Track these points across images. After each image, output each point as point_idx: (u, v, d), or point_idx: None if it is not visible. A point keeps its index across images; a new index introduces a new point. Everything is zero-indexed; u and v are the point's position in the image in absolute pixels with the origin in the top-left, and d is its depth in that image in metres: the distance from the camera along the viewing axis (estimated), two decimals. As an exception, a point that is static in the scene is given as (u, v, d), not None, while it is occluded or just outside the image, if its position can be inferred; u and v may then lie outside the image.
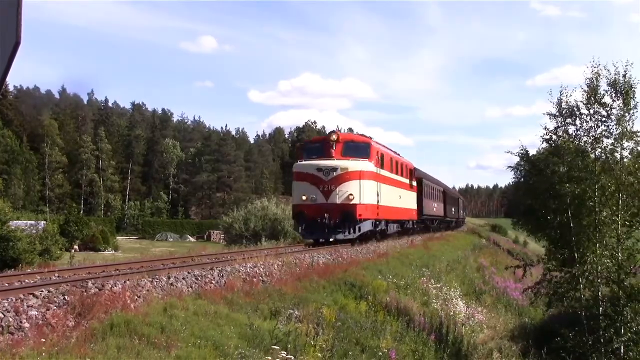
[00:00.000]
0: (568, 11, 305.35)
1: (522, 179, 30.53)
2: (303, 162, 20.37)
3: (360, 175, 19.49)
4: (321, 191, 19.33)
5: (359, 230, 19.68)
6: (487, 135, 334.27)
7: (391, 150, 25.61)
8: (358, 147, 20.69)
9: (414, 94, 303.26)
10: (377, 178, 20.96)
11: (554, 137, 17.61)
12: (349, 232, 19.30)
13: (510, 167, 26.88)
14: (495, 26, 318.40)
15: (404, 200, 26.90)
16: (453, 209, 55.54)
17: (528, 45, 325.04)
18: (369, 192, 19.92)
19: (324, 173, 19.35)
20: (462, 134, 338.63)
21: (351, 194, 19.10)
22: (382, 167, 22.01)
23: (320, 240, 19.86)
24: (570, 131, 17.31)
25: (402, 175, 26.67)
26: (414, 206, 30.23)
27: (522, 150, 19.63)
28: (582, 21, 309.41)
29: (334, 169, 19.34)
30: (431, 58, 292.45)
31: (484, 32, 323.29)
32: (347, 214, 19.05)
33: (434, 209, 40.22)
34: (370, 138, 21.94)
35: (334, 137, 20.34)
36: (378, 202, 20.84)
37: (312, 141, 22.51)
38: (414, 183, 30.63)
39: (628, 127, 16.49)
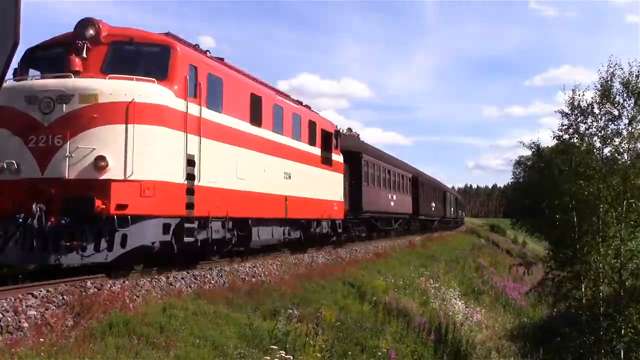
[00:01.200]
0: (565, 11, 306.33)
1: (522, 179, 30.59)
2: (4, 85, 6.65)
3: (132, 112, 8.84)
4: (32, 150, 8.71)
5: (122, 243, 8.65)
6: (486, 136, 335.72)
7: (259, 83, 13.82)
8: (142, 55, 9.83)
9: (412, 94, 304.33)
10: (194, 126, 10.13)
11: (566, 135, 17.74)
12: (97, 249, 8.44)
13: (518, 160, 27.13)
14: (493, 26, 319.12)
15: (305, 182, 15.41)
16: (434, 205, 41.83)
17: (526, 45, 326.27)
18: (159, 152, 9.26)
19: (43, 107, 8.72)
20: (460, 134, 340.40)
21: (101, 157, 8.60)
22: (217, 106, 11.09)
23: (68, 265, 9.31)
24: (581, 130, 17.42)
25: (298, 137, 15.20)
26: (336, 196, 18.23)
27: (533, 144, 19.79)
28: (579, 21, 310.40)
29: (65, 97, 8.72)
30: (429, 58, 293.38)
31: (481, 32, 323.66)
32: (80, 203, 8.38)
33: (391, 203, 27.49)
34: (184, 42, 10.84)
35: (90, 31, 9.52)
36: (196, 178, 10.15)
37: (46, 44, 10.21)
38: (337, 157, 18.66)
39: (638, 128, 16.54)
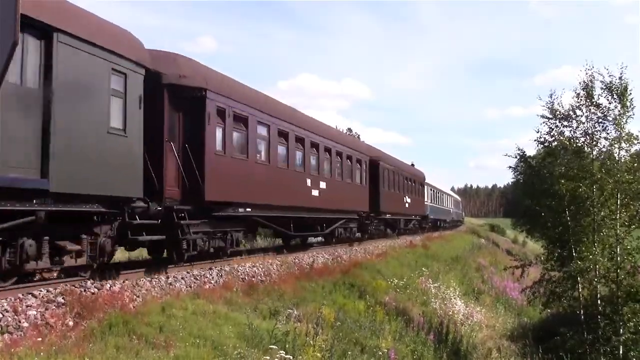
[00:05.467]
0: (566, 12, 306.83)
1: (522, 179, 30.62)
2: None
3: None
4: None
5: None
6: (487, 136, 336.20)
7: None
8: None
9: (413, 94, 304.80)
10: None
11: (549, 139, 17.82)
12: None
13: (510, 167, 27.08)
14: (493, 26, 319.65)
15: None
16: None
17: (527, 46, 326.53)
18: None
19: None
20: (461, 135, 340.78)
21: None
22: None
23: None
24: (566, 133, 17.49)
25: None
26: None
27: (519, 152, 19.77)
28: (579, 22, 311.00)
29: None
30: (429, 58, 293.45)
31: (481, 32, 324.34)
32: None
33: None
34: None
35: None
36: None
37: None
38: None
39: (625, 129, 16.61)
